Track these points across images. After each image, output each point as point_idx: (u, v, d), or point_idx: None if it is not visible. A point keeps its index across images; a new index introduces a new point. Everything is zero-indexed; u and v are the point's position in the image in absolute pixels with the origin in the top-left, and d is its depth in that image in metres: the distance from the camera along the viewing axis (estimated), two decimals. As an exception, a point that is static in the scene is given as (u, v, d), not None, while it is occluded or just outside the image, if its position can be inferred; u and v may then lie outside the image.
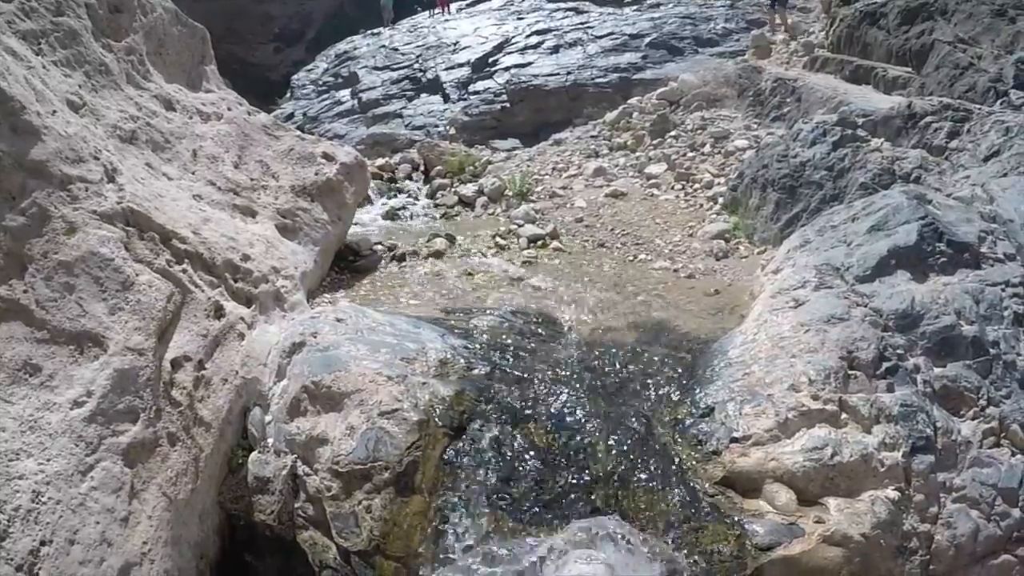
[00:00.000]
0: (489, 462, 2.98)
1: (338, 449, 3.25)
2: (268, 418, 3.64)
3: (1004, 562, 3.33)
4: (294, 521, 3.43)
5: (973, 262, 4.20)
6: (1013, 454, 3.55)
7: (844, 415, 3.24)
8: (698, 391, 3.28)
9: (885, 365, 3.49)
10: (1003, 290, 4.08)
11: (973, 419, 3.60)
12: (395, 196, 8.04)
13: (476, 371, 3.33)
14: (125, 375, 3.18)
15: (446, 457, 3.05)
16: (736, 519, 2.90)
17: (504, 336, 3.72)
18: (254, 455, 3.58)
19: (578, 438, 3.01)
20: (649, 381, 3.40)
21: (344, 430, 3.27)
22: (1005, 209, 4.63)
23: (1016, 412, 3.64)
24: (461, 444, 3.07)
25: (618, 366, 3.52)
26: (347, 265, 5.72)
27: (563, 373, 3.32)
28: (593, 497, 2.90)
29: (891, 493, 3.12)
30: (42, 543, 2.67)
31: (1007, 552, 3.34)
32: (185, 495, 3.36)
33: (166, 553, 3.19)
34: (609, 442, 3.01)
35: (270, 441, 3.57)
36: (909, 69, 9.54)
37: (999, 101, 7.40)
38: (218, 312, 3.93)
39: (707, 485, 2.97)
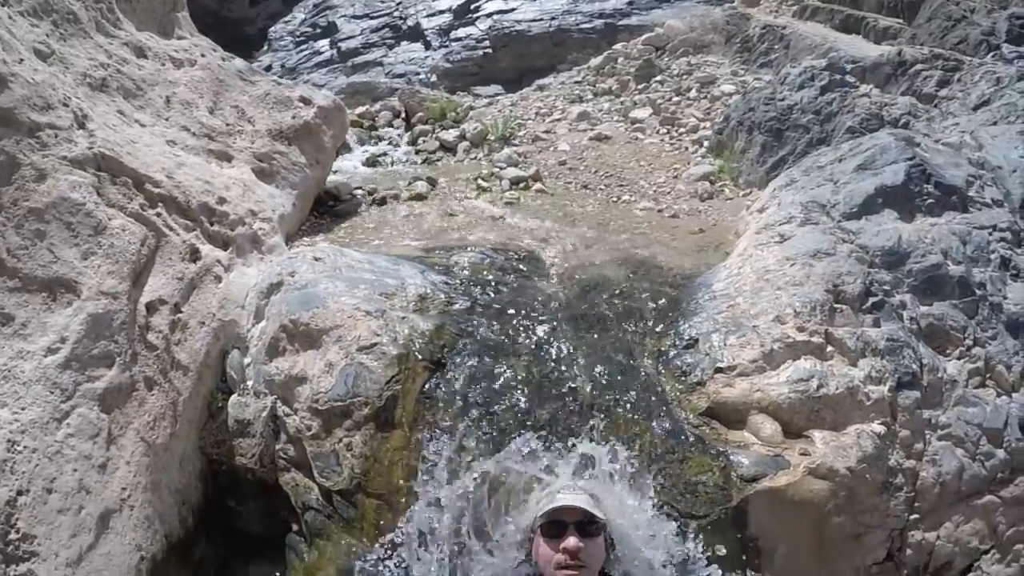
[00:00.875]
0: (470, 394, 2.93)
1: (317, 387, 3.20)
2: (247, 360, 3.58)
3: (988, 503, 3.36)
4: (276, 463, 3.40)
5: (961, 205, 4.17)
6: (999, 395, 3.56)
7: (830, 348, 3.22)
8: (682, 323, 3.24)
9: (871, 300, 3.46)
10: (990, 234, 4.07)
11: (959, 359, 3.60)
12: (376, 143, 7.90)
13: (456, 306, 3.28)
14: (99, 320, 3.12)
15: (426, 390, 3.00)
16: (721, 450, 2.88)
17: (485, 272, 3.66)
18: (234, 398, 3.53)
19: (560, 369, 2.97)
20: (632, 314, 3.36)
21: (323, 367, 3.22)
22: (994, 156, 4.60)
23: (1002, 353, 3.65)
24: (441, 377, 3.02)
25: (601, 300, 3.48)
26: (327, 210, 5.63)
27: (545, 307, 3.27)
28: (575, 428, 2.86)
29: (877, 427, 3.11)
30: (19, 493, 2.64)
31: (991, 493, 3.37)
32: (164, 440, 3.32)
33: (146, 499, 3.15)
34: (592, 373, 2.97)
35: (249, 383, 3.52)
36: (900, 20, 9.41)
37: (991, 54, 7.33)
38: (194, 255, 3.85)
39: (691, 416, 2.95)
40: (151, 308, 3.51)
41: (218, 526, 3.62)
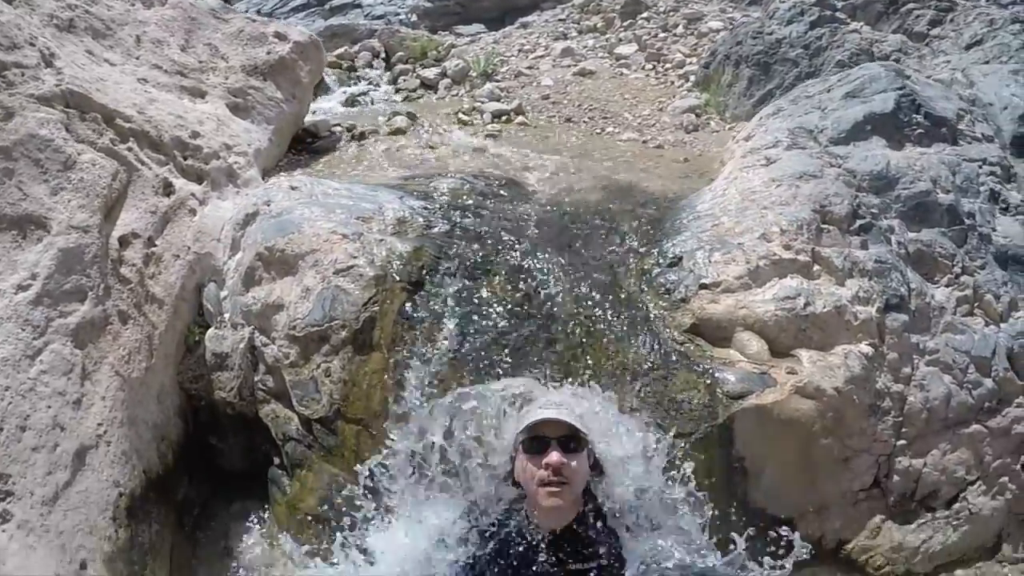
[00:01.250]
0: (450, 315, 2.86)
1: (294, 313, 3.12)
2: (224, 293, 3.49)
3: (975, 432, 3.35)
4: (255, 395, 3.33)
5: (950, 137, 4.12)
6: (987, 324, 3.54)
7: (817, 267, 3.16)
8: (665, 242, 3.17)
9: (859, 222, 3.40)
10: (980, 167, 4.03)
11: (947, 286, 3.57)
12: (355, 84, 7.69)
13: (436, 229, 3.19)
14: (70, 254, 3.06)
15: (405, 312, 2.92)
16: (706, 367, 2.83)
17: (465, 197, 3.56)
18: (211, 331, 3.45)
19: (542, 289, 2.89)
20: (615, 235, 3.28)
21: (299, 293, 3.14)
22: (985, 93, 4.58)
23: (991, 283, 3.62)
24: (420, 298, 2.95)
25: (583, 222, 3.39)
26: (305, 147, 5.50)
27: (526, 230, 3.18)
28: (558, 347, 2.80)
29: (865, 348, 3.08)
30: (-8, 431, 2.54)
31: (978, 423, 3.36)
32: (140, 374, 3.24)
33: (123, 434, 3.09)
34: (573, 293, 2.89)
35: (226, 316, 3.44)
36: (893, -41, 9.24)
37: (985, -1, 7.24)
38: (167, 189, 3.75)
39: (675, 333, 2.89)
40: (124, 242, 3.42)
41: (201, 465, 3.56)
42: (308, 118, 5.89)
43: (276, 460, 3.33)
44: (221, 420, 3.47)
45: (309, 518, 3.09)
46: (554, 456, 2.49)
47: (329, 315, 3.03)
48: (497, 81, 6.98)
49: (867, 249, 3.32)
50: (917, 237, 3.55)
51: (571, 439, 2.56)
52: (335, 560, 2.92)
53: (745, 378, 2.83)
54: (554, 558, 2.64)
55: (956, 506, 3.33)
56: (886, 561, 3.25)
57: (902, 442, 3.23)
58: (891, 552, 3.24)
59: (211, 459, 3.58)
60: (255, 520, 3.43)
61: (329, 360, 3.04)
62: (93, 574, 2.71)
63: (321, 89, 6.87)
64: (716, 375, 2.82)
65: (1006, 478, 3.37)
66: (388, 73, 7.92)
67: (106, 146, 3.50)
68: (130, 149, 3.67)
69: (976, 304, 3.58)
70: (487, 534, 2.69)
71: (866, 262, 3.24)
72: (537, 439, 2.56)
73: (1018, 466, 3.38)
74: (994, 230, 3.82)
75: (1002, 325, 3.54)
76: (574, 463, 2.55)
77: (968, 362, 3.38)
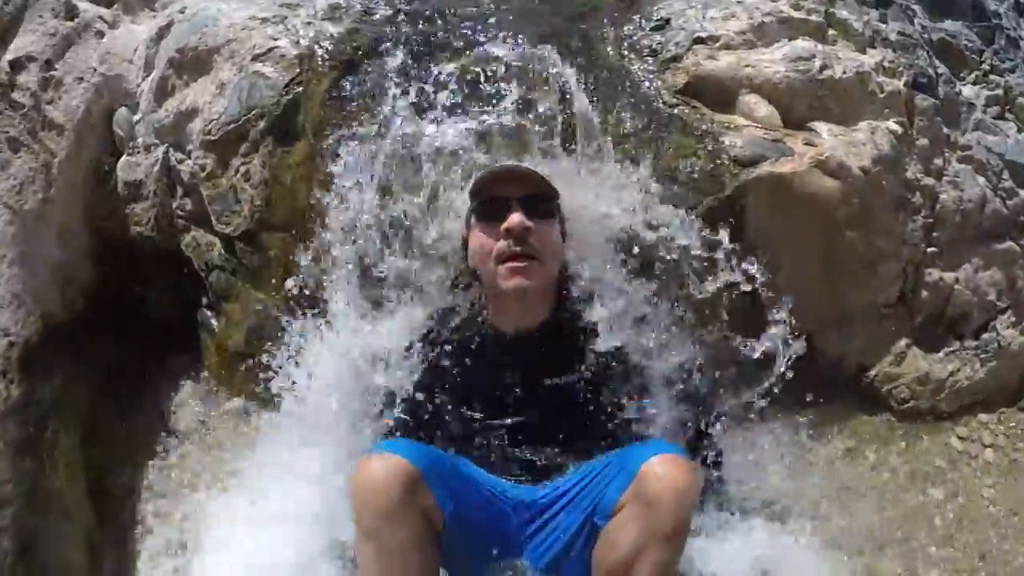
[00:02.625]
0: (390, 87, 2.11)
1: (209, 115, 2.42)
2: (136, 117, 2.75)
3: (1009, 250, 2.68)
4: (174, 225, 2.65)
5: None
6: (1019, 130, 2.84)
7: (832, 31, 2.46)
8: (648, 6, 2.38)
9: (877, -6, 2.65)
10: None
11: (975, 84, 2.87)
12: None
13: (376, 16, 2.43)
14: (-54, 78, 2.37)
15: (335, 92, 2.18)
16: (706, 129, 2.10)
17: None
18: (122, 160, 2.75)
19: (503, 61, 2.12)
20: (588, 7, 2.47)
21: (214, 91, 2.45)
22: None
23: (1023, 86, 2.91)
24: (354, 77, 2.20)
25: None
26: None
27: (486, 7, 2.41)
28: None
29: (893, 126, 2.35)
30: None
31: (1012, 240, 2.69)
32: (35, 206, 2.58)
33: (12, 274, 2.49)
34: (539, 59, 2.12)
35: (139, 141, 2.69)
36: None
37: None
38: (70, 12, 3.00)
39: (665, 94, 2.14)
40: (16, 66, 2.74)
41: (128, 321, 2.83)
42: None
43: (204, 300, 2.60)
44: (142, 262, 2.76)
45: (240, 357, 2.37)
46: (515, 217, 1.76)
47: (246, 106, 2.33)
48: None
49: (887, 24, 2.56)
50: (941, 26, 2.84)
51: (538, 199, 1.84)
52: (273, 393, 2.20)
53: (755, 143, 2.12)
54: (520, 372, 1.93)
55: (985, 336, 2.68)
56: (911, 395, 2.59)
57: (933, 249, 2.54)
58: (916, 384, 2.59)
59: (140, 313, 2.84)
60: (190, 377, 2.72)
61: (248, 160, 2.34)
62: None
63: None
64: (720, 139, 2.09)
65: (1037, 311, 2.74)
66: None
67: (-5, -35, 2.82)
68: (24, -31, 2.97)
69: (1008, 107, 2.89)
70: (436, 350, 1.97)
71: (888, 33, 2.53)
72: (493, 201, 1.83)
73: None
74: (1021, 37, 3.09)
75: (1037, 132, 2.84)
76: (543, 231, 1.82)
77: (1002, 167, 2.71)
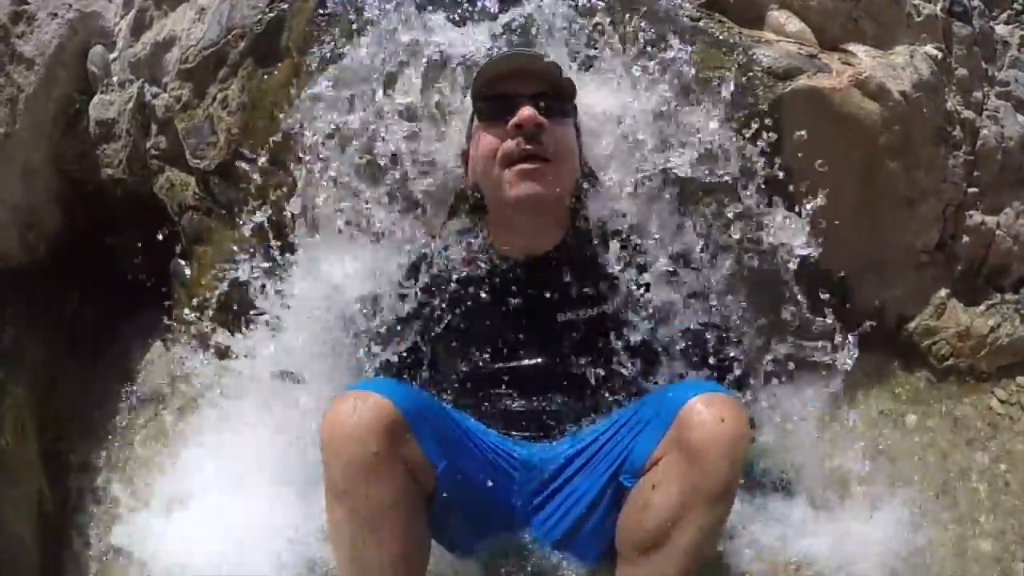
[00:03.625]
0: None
1: (187, 42, 2.11)
2: (113, 55, 2.40)
3: None
4: (147, 167, 2.30)
5: None
6: (1054, 73, 2.49)
7: (861, -48, 2.09)
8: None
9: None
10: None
11: (1008, 23, 2.56)
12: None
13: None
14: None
15: (324, 8, 1.82)
16: (735, 41, 1.74)
17: None
18: (96, 98, 2.42)
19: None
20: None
21: (193, 17, 2.13)
22: None
23: (1055, 28, 2.60)
24: (344, -5, 1.85)
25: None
26: None
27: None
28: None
29: (932, 50, 2.01)
30: None
31: None
32: None
33: None
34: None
35: (115, 79, 2.34)
36: None
37: None
38: (45, -52, 2.64)
39: (688, 6, 1.78)
40: None
41: (97, 276, 2.47)
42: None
43: (178, 249, 2.23)
44: (113, 210, 2.40)
45: (210, 303, 1.99)
46: (526, 110, 1.40)
47: (226, 28, 1.96)
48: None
49: (914, -49, 2.24)
50: (965, -36, 2.49)
51: (552, 97, 1.47)
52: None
53: (789, 55, 1.78)
54: (528, 306, 1.56)
55: (1024, 290, 2.39)
56: (951, 351, 2.25)
57: (974, 190, 2.19)
58: (956, 340, 2.25)
59: (109, 268, 2.47)
60: (160, 334, 2.34)
61: (226, 86, 2.01)
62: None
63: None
64: (750, 52, 1.73)
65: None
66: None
67: None
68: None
69: (1041, 48, 2.52)
70: (427, 281, 1.60)
71: (920, -44, 2.17)
72: (500, 99, 1.47)
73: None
74: (1051, -20, 2.78)
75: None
76: (557, 130, 1.46)
77: (1039, 105, 2.34)
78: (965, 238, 2.22)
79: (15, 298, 2.17)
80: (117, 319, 2.44)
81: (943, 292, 2.23)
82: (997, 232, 2.27)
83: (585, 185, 1.58)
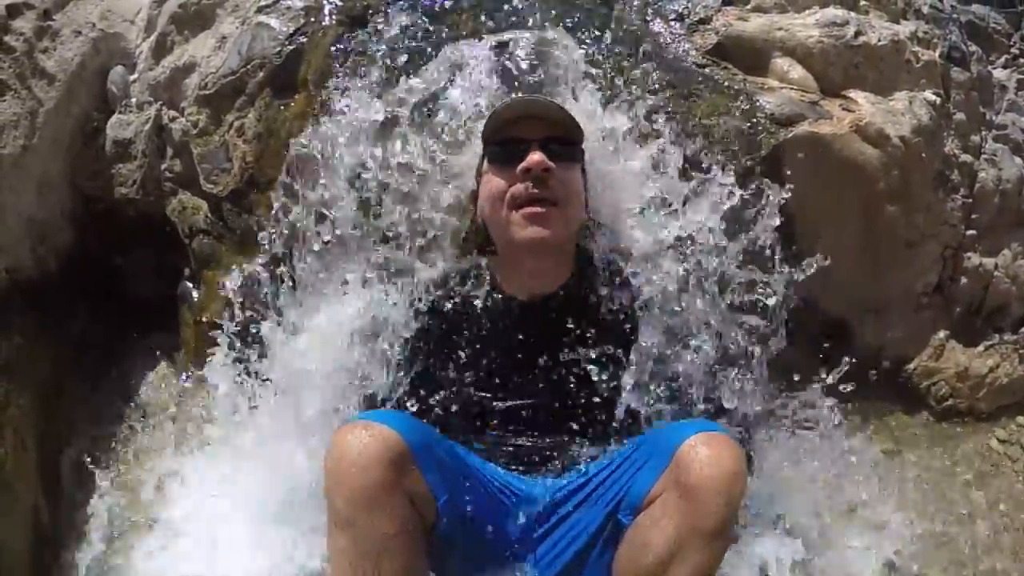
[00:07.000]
0: (397, 47, 1.81)
1: (207, 69, 2.15)
2: (133, 76, 2.46)
3: None
4: (161, 188, 2.32)
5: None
6: (1051, 115, 2.54)
7: (864, 1, 2.14)
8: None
9: (905, -28, 2.39)
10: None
11: (1005, 67, 2.59)
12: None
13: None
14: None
15: (340, 45, 1.88)
16: (738, 88, 1.78)
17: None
18: (114, 117, 2.45)
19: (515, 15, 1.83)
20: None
21: (214, 45, 2.16)
22: None
23: (1053, 72, 2.64)
24: (363, 33, 1.90)
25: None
26: None
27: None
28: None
29: (930, 96, 2.06)
30: None
31: None
32: (13, 151, 2.27)
33: None
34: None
35: (133, 100, 2.40)
36: None
37: None
38: (73, -32, 2.71)
39: (694, 53, 1.83)
40: (13, 11, 2.44)
41: (105, 296, 2.50)
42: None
43: (186, 272, 2.27)
44: (124, 230, 2.43)
45: (217, 328, 2.02)
46: (535, 155, 1.44)
47: (246, 58, 2.01)
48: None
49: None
50: (968, 9, 2.59)
51: (561, 141, 1.51)
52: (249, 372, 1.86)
53: (791, 102, 1.81)
54: (532, 345, 1.58)
55: (1024, 330, 2.38)
56: (950, 392, 2.26)
57: (972, 232, 2.22)
58: (955, 380, 2.27)
59: (118, 288, 2.51)
60: (166, 356, 2.39)
61: (243, 114, 2.04)
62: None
63: None
64: (754, 99, 1.78)
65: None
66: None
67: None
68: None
69: (1039, 94, 2.58)
70: (434, 319, 1.62)
71: (920, 5, 2.25)
72: (510, 143, 1.50)
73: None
74: (1048, 23, 2.86)
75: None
76: (564, 175, 1.50)
77: (1037, 149, 2.39)
78: (964, 279, 2.23)
79: (24, 311, 2.13)
80: (123, 339, 2.45)
81: (942, 333, 2.24)
82: (995, 273, 2.29)
83: (590, 227, 1.63)
